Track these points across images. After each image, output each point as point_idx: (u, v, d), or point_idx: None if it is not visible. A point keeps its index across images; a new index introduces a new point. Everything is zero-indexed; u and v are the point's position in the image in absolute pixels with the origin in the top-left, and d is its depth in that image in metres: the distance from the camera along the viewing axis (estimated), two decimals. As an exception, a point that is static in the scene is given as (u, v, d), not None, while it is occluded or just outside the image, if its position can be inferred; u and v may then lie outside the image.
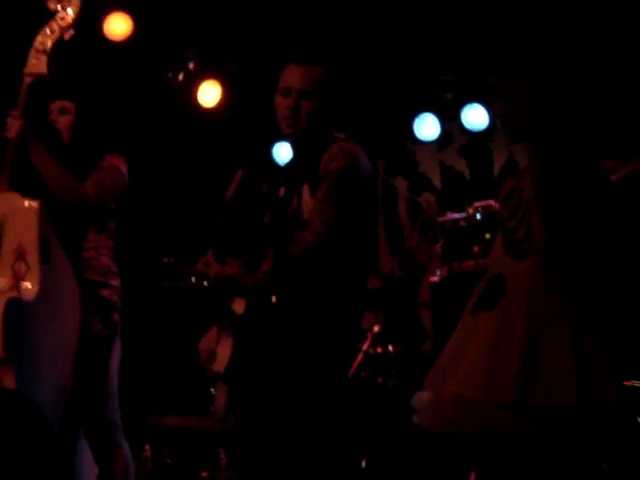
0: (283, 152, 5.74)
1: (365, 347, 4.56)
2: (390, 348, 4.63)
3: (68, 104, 3.36)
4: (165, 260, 5.38)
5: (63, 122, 3.37)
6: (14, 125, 3.12)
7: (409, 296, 5.49)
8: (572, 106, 2.63)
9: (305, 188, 2.71)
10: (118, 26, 5.36)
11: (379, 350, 4.62)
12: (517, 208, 2.52)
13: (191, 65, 5.66)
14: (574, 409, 2.32)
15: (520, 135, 2.62)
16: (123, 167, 3.43)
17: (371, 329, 4.61)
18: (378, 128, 5.72)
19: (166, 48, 5.57)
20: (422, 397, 2.62)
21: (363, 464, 4.40)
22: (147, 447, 4.84)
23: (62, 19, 3.16)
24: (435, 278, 4.65)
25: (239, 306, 2.69)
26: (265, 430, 2.66)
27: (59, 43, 3.15)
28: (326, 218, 2.61)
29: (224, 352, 2.67)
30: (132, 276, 3.70)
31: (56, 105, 3.37)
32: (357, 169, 2.67)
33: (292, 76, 2.74)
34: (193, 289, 5.22)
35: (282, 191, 2.78)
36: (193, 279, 5.26)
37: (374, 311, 4.73)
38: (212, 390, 2.75)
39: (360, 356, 4.52)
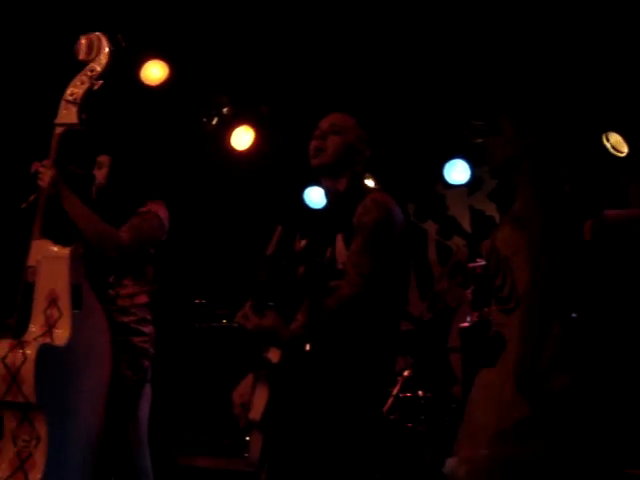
0: (314, 196, 5.79)
1: (395, 391, 4.55)
2: (420, 392, 4.62)
3: (103, 157, 3.44)
4: (197, 301, 5.43)
5: (100, 175, 3.44)
6: (46, 174, 3.18)
7: (439, 340, 5.47)
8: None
9: (339, 238, 2.75)
10: (154, 72, 5.49)
11: (409, 394, 4.61)
12: (498, 267, 2.59)
13: (225, 110, 5.75)
14: None
15: (497, 171, 2.72)
16: (162, 213, 3.47)
17: (401, 373, 4.60)
18: (408, 172, 5.76)
19: (200, 93, 5.67)
20: (453, 463, 2.64)
21: (393, 509, 4.36)
22: (176, 488, 4.84)
23: (92, 70, 3.24)
24: (465, 324, 4.63)
25: (274, 355, 2.72)
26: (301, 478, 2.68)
27: (89, 94, 3.23)
28: (362, 271, 2.65)
29: (260, 400, 2.69)
30: (164, 317, 3.74)
31: (97, 159, 3.45)
32: (391, 221, 2.72)
33: (324, 121, 2.86)
34: (224, 330, 5.25)
35: (316, 243, 2.82)
36: (224, 320, 5.31)
37: (404, 354, 4.72)
38: (247, 438, 2.77)
39: (390, 400, 4.50)
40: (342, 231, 2.74)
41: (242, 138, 5.78)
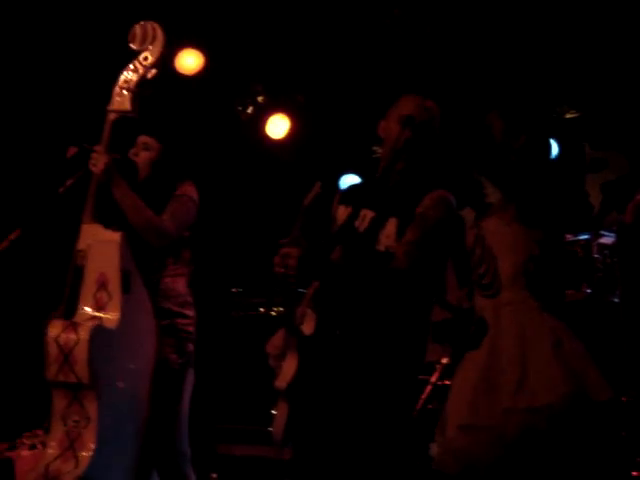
0: (350, 183, 5.79)
1: (434, 379, 4.55)
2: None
3: (151, 141, 3.46)
4: (233, 290, 5.46)
5: (145, 157, 3.46)
6: (99, 160, 3.20)
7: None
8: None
9: (391, 221, 2.78)
10: (190, 61, 5.53)
11: (447, 382, 4.60)
12: (483, 255, 2.76)
13: (260, 98, 5.77)
14: (560, 406, 2.53)
15: (486, 169, 2.87)
16: (195, 195, 3.51)
17: (440, 361, 4.59)
18: (448, 160, 5.74)
19: (236, 82, 5.69)
20: (434, 447, 2.76)
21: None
22: (214, 476, 4.87)
23: (145, 59, 3.27)
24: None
25: (308, 327, 2.73)
26: (326, 456, 2.70)
27: (143, 82, 3.25)
28: (412, 260, 2.71)
29: (288, 369, 2.71)
30: (201, 305, 3.77)
31: (140, 140, 3.47)
32: (452, 221, 2.82)
33: (410, 106, 2.87)
34: (260, 319, 5.28)
35: (367, 216, 2.82)
36: (261, 309, 5.33)
37: (442, 343, 4.71)
38: (273, 412, 2.78)
39: (428, 388, 4.50)
40: (397, 216, 2.76)
41: (277, 126, 5.80)
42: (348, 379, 2.68)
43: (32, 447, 4.28)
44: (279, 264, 2.67)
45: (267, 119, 5.78)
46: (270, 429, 2.77)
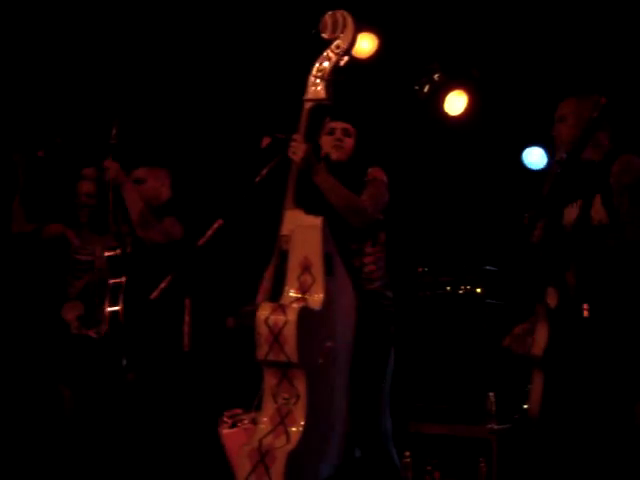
0: (534, 157, 5.66)
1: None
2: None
3: (349, 126, 3.55)
4: (420, 270, 5.48)
5: (349, 143, 3.56)
6: (299, 148, 3.30)
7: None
8: None
9: (597, 198, 2.80)
10: (364, 45, 5.58)
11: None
12: None
13: (436, 76, 5.75)
14: None
15: None
16: (385, 178, 3.57)
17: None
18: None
19: (411, 62, 5.69)
20: None
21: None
22: (407, 454, 4.92)
23: (337, 47, 3.34)
24: None
25: (552, 299, 2.77)
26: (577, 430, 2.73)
27: (336, 69, 3.33)
28: (634, 230, 2.69)
29: (541, 336, 2.75)
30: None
31: (339, 126, 3.55)
32: None
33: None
34: (448, 298, 5.27)
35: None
36: (448, 288, 5.32)
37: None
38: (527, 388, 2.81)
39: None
40: (601, 192, 2.81)
41: (455, 103, 5.76)
42: (595, 356, 2.71)
43: (233, 425, 4.50)
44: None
45: (445, 96, 5.75)
46: (525, 406, 2.82)
